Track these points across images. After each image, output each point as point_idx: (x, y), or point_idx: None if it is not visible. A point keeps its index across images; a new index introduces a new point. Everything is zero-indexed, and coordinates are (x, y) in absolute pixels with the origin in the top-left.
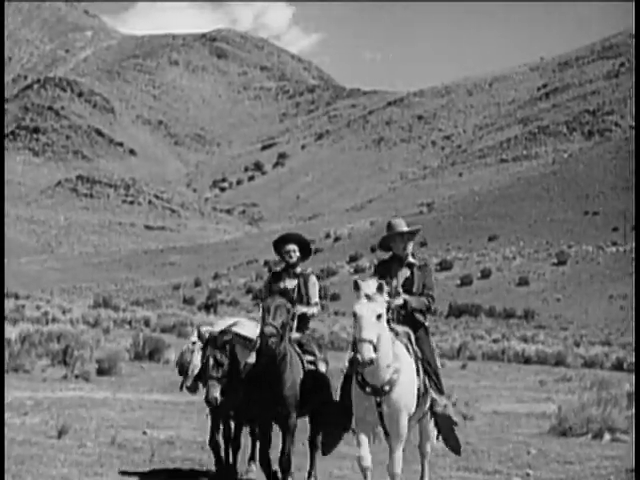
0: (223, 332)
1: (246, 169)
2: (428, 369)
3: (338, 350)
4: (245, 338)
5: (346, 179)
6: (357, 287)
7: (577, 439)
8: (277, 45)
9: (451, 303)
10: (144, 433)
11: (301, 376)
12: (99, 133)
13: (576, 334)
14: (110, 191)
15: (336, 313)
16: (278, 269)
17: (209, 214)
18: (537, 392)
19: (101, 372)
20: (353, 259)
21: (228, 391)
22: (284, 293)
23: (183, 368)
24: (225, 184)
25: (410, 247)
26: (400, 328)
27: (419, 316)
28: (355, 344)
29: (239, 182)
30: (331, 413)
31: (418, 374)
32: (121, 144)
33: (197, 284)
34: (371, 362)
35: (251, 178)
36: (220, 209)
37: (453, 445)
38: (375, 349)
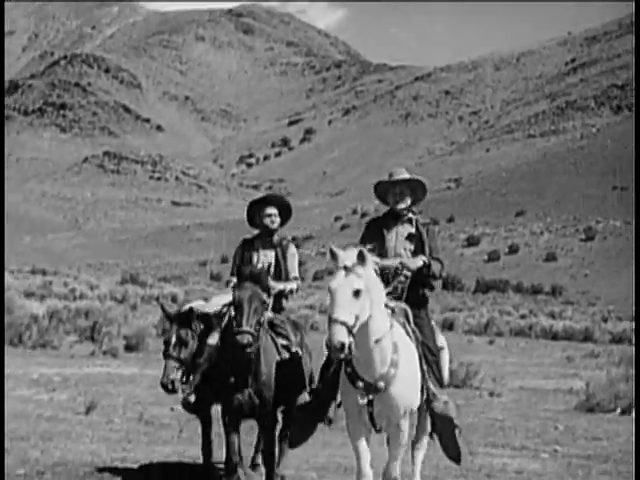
0: (191, 309)
1: (273, 145)
2: (427, 355)
3: None
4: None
5: (373, 155)
6: (334, 257)
7: (605, 415)
8: (303, 20)
9: (478, 279)
10: (171, 409)
11: (275, 362)
12: (126, 109)
13: (604, 310)
14: (137, 167)
15: None
16: (249, 236)
17: (236, 190)
18: (564, 368)
19: (128, 348)
20: None
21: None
22: (256, 277)
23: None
24: (252, 160)
25: (407, 202)
26: (396, 304)
27: (425, 292)
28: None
29: (266, 158)
30: (306, 403)
31: (421, 363)
32: (148, 120)
33: (224, 260)
34: (342, 348)
35: (278, 154)
36: (247, 185)
37: (452, 454)
38: (350, 333)
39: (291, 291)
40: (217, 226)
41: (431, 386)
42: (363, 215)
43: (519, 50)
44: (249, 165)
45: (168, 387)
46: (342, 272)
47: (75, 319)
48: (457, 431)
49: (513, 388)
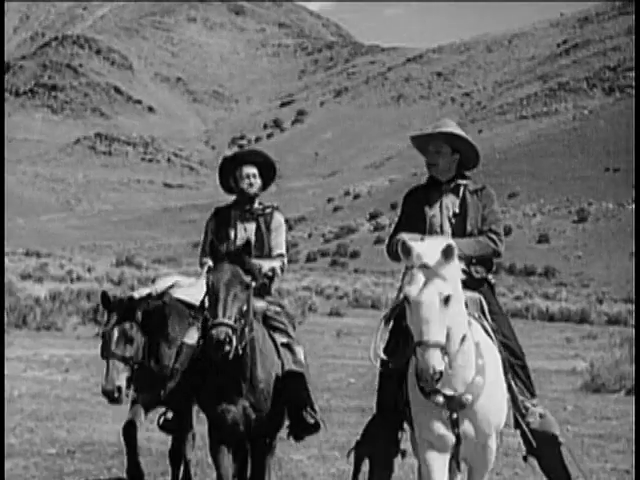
0: (142, 298)
1: (265, 126)
2: (510, 358)
3: (365, 308)
4: (189, 306)
5: (365, 136)
6: (407, 252)
7: (611, 395)
8: (295, 2)
9: None
10: None
11: (275, 366)
12: (117, 90)
13: (598, 291)
14: (129, 149)
15: (356, 271)
16: (223, 205)
17: None
18: (564, 349)
19: None
20: (373, 217)
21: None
22: (234, 257)
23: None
24: (244, 141)
25: (443, 165)
26: (469, 294)
27: (480, 271)
28: (414, 346)
29: (258, 139)
30: (372, 434)
31: (505, 369)
32: (139, 101)
33: None
34: (440, 375)
35: (270, 135)
36: None
37: (558, 478)
38: (446, 353)
39: (273, 271)
40: (210, 207)
41: (520, 397)
42: (356, 197)
43: (511, 31)
44: (241, 146)
45: (113, 395)
46: (421, 274)
47: (77, 301)
48: (564, 449)
49: None
